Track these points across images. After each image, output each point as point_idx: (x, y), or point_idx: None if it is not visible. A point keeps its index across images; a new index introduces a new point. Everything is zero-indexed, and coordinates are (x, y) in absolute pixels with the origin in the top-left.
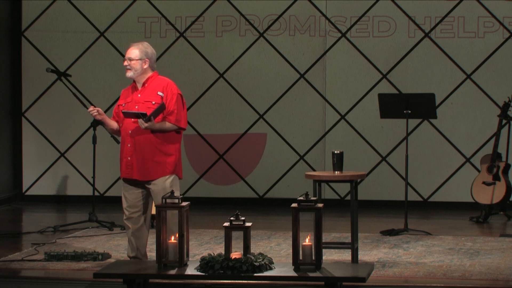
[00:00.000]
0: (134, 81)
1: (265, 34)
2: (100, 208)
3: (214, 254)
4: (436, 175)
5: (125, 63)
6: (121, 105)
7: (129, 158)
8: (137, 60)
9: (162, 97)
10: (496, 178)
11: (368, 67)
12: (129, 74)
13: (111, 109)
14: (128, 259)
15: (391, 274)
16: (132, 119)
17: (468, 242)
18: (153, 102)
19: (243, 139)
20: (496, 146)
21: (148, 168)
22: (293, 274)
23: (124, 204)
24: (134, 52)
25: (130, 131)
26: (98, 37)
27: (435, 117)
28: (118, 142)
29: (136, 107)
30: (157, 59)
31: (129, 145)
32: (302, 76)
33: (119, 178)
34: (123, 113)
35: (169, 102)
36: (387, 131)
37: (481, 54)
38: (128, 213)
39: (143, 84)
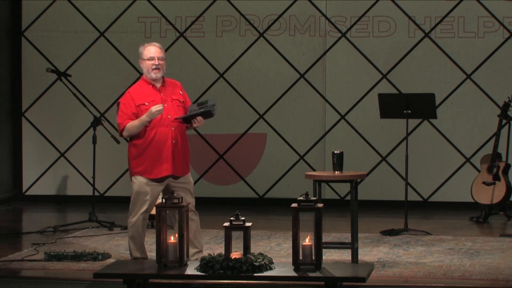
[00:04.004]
0: (148, 80)
1: (265, 34)
2: (100, 208)
3: (214, 254)
4: (436, 175)
5: (155, 62)
6: (144, 104)
7: (176, 155)
8: (164, 59)
9: (182, 95)
10: (496, 178)
11: (368, 67)
12: (160, 74)
13: (111, 108)
14: (130, 258)
15: (391, 274)
16: (169, 116)
17: (468, 242)
18: (181, 100)
19: (243, 139)
20: (496, 146)
21: (186, 163)
22: (293, 274)
23: (144, 205)
24: (162, 52)
25: (173, 128)
26: (98, 37)
27: (435, 117)
28: (118, 142)
29: (165, 105)
30: None
31: (174, 141)
32: (302, 76)
33: (119, 178)
34: (201, 108)
35: (186, 99)
36: (387, 131)
37: (481, 54)
38: (146, 215)
39: (163, 83)
